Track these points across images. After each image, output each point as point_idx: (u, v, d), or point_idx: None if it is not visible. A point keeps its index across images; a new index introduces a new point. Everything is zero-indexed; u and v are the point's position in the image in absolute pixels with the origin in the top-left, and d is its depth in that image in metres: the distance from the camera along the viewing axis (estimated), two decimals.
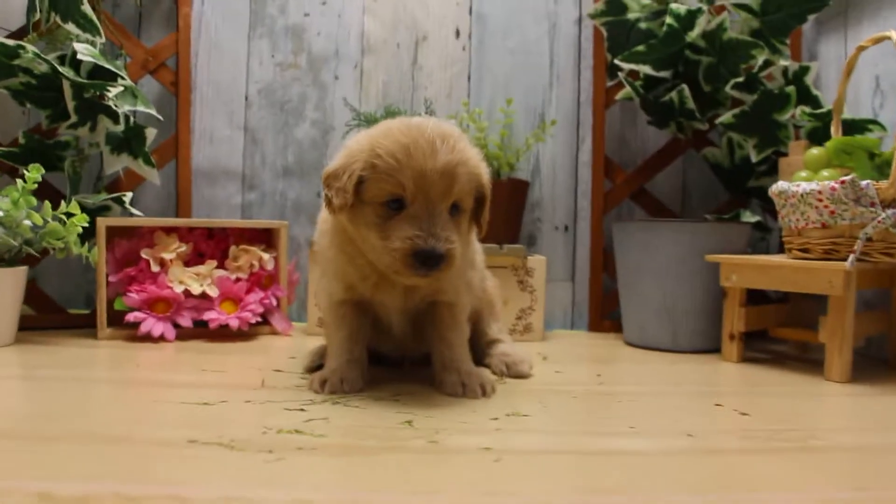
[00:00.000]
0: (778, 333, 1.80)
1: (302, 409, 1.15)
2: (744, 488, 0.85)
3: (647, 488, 0.84)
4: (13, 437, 0.98)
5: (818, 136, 1.82)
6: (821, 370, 1.57)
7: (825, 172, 1.58)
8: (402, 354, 1.52)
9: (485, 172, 1.25)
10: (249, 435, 1.00)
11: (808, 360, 1.79)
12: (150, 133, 1.94)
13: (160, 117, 2.01)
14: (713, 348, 1.86)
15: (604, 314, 2.22)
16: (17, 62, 1.77)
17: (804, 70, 1.90)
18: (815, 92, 1.89)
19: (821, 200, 1.52)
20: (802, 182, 1.58)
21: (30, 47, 1.74)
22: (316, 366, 1.47)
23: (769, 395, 1.38)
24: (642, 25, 2.02)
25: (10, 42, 1.74)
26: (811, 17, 1.88)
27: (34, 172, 1.67)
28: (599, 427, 1.12)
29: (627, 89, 2.02)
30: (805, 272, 1.56)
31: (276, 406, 1.17)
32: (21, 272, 1.71)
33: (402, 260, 1.13)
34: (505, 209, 2.00)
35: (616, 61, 1.99)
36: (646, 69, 1.96)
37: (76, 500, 0.75)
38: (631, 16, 2.03)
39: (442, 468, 0.89)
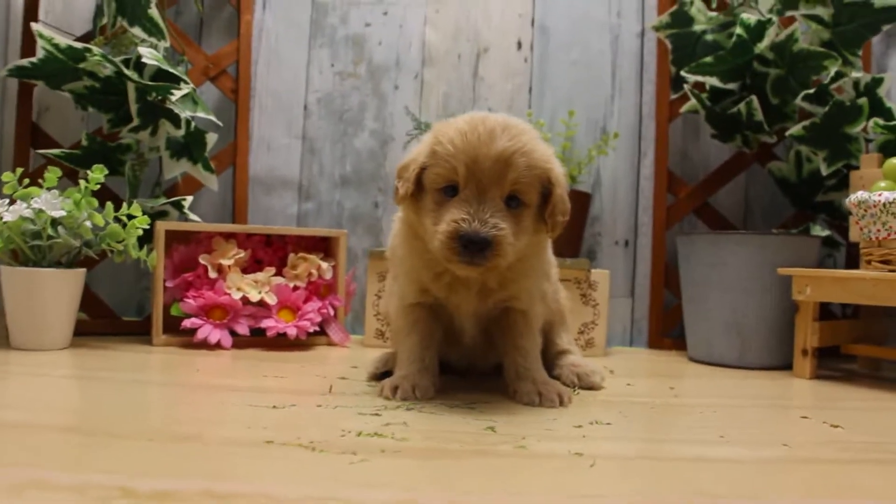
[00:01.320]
0: (852, 350, 1.74)
1: (377, 414, 1.11)
2: (851, 496, 0.80)
3: (751, 494, 0.80)
4: (82, 432, 0.96)
5: (891, 148, 1.76)
6: None
7: None
8: (470, 364, 1.48)
9: (556, 168, 1.21)
10: (328, 437, 0.96)
11: (883, 378, 1.72)
12: (211, 139, 1.93)
13: (220, 123, 2.00)
14: (781, 365, 1.80)
15: (664, 331, 2.16)
16: (82, 66, 1.78)
17: (877, 82, 1.85)
18: (888, 104, 1.84)
19: None
20: (885, 192, 1.53)
21: (96, 49, 1.74)
22: (381, 373, 1.43)
23: (855, 410, 1.33)
24: (709, 37, 1.99)
25: (78, 45, 1.75)
26: (884, 28, 1.84)
27: (97, 173, 1.66)
28: (688, 435, 1.08)
29: (692, 102, 1.99)
30: (887, 284, 1.50)
31: (350, 411, 1.14)
32: (79, 274, 1.69)
33: (446, 244, 1.11)
34: (567, 222, 1.96)
35: (682, 73, 1.95)
36: (713, 81, 1.92)
37: (160, 495, 0.72)
38: (697, 28, 2.00)
39: (534, 472, 0.85)
